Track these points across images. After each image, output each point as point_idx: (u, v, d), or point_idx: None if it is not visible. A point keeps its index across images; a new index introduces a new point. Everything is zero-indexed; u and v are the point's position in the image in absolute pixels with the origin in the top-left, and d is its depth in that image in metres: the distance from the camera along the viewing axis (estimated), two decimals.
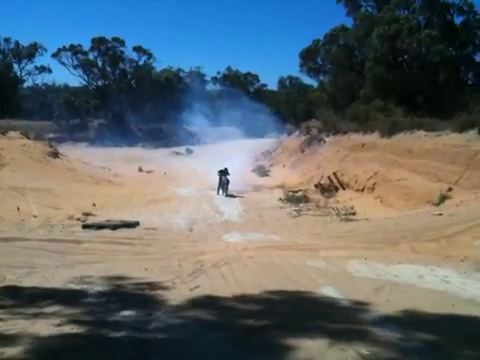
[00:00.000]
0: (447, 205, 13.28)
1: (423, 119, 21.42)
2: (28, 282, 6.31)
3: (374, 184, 18.59)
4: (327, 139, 29.33)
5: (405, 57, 32.27)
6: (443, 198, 13.92)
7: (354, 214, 15.41)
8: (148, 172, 31.53)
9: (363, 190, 19.09)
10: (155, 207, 17.19)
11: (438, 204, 13.73)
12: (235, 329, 4.65)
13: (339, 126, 28.81)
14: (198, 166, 30.87)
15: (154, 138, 52.22)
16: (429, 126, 19.62)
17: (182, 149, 46.50)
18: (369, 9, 36.42)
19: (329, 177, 21.79)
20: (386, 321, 4.78)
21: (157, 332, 4.55)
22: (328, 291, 5.99)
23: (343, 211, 15.69)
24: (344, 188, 20.70)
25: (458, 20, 32.52)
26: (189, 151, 45.72)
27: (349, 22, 36.89)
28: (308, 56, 39.67)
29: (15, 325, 4.58)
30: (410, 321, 4.84)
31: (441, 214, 11.83)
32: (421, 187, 15.72)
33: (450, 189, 14.36)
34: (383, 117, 24.55)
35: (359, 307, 5.26)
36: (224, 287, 6.24)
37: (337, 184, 21.13)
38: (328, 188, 20.77)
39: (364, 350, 4.01)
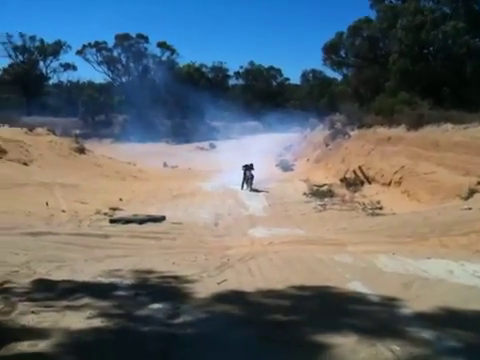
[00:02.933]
0: (476, 199, 13.00)
1: (450, 112, 21.03)
2: (58, 276, 6.39)
3: (401, 178, 18.33)
4: (352, 133, 29.01)
5: (430, 49, 31.72)
6: (472, 192, 13.63)
7: (381, 208, 15.25)
8: (172, 167, 31.74)
9: (389, 184, 18.84)
10: (180, 202, 17.27)
11: (467, 198, 13.45)
12: (262, 324, 4.64)
13: (364, 119, 28.48)
14: (222, 161, 30.91)
15: (178, 133, 52.51)
16: (456, 119, 19.26)
17: (206, 144, 46.64)
18: (393, 1, 35.89)
19: (354, 171, 21.58)
20: (417, 317, 4.70)
21: (185, 326, 4.57)
22: (356, 286, 5.93)
23: (369, 205, 15.53)
24: (370, 182, 20.48)
25: None
26: (213, 146, 45.84)
27: (372, 15, 36.41)
28: (331, 49, 39.28)
29: (46, 318, 4.65)
30: (441, 317, 4.76)
31: (470, 208, 11.61)
32: (449, 181, 15.44)
33: (479, 183, 14.07)
34: (409, 110, 24.17)
35: (388, 303, 5.19)
36: (250, 281, 6.23)
37: (363, 178, 20.91)
38: (353, 182, 20.58)
39: (395, 346, 3.96)
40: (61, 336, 4.23)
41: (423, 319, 4.65)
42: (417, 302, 5.17)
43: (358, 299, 5.42)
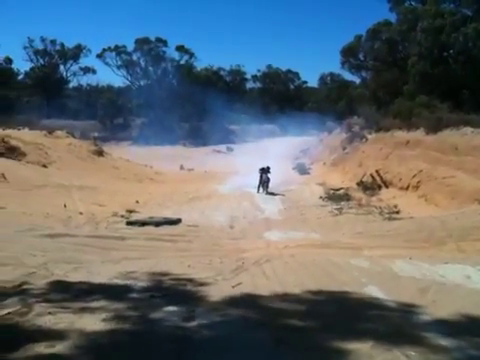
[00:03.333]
0: None
1: (469, 115, 20.74)
2: (75, 277, 6.46)
3: (418, 182, 18.13)
4: (369, 136, 28.78)
5: (450, 51, 31.35)
6: None
7: (398, 213, 15.09)
8: (189, 170, 31.82)
9: (407, 188, 18.65)
10: (196, 204, 17.32)
11: None
12: (277, 328, 4.63)
13: (382, 123, 28.21)
14: (238, 164, 30.92)
15: (195, 136, 52.69)
16: (476, 122, 18.97)
17: (223, 147, 46.71)
18: (413, 3, 35.58)
19: (372, 175, 21.41)
20: (433, 323, 4.66)
21: (199, 328, 4.58)
22: (372, 291, 5.89)
23: (386, 210, 15.39)
24: (387, 186, 20.29)
25: None
26: (230, 149, 45.89)
27: (392, 18, 36.14)
28: (350, 52, 39.04)
29: (63, 319, 4.70)
30: (458, 323, 4.71)
31: None
32: (468, 185, 15.23)
33: None
34: (427, 113, 23.90)
35: (405, 308, 5.14)
36: (266, 285, 6.22)
37: (380, 182, 20.73)
38: (371, 186, 20.40)
39: (411, 352, 3.92)
40: (77, 337, 4.28)
41: (439, 325, 4.60)
42: (434, 307, 5.12)
43: (374, 304, 5.39)
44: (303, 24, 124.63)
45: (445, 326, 4.59)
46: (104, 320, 4.69)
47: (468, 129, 18.92)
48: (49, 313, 4.83)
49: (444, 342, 4.17)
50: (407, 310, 5.08)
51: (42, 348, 4.06)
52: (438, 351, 4.02)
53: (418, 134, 22.53)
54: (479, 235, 9.42)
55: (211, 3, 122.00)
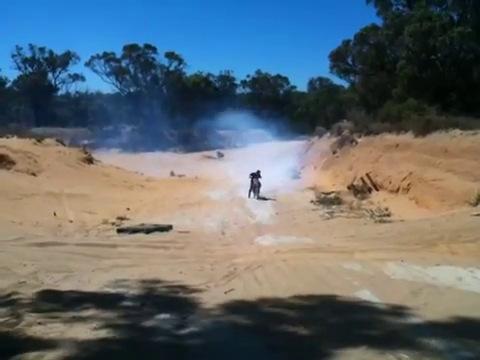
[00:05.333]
0: None
1: (458, 117, 20.90)
2: (65, 286, 6.39)
3: (409, 185, 18.23)
4: (359, 140, 28.91)
5: (438, 55, 31.63)
6: None
7: (389, 215, 15.15)
8: (180, 176, 31.79)
9: (397, 191, 18.75)
10: (187, 211, 17.29)
11: (476, 204, 13.33)
12: (270, 333, 4.60)
13: (371, 126, 28.36)
14: (229, 169, 30.93)
15: (185, 142, 52.70)
16: (464, 124, 19.12)
17: (213, 153, 46.76)
18: (400, 8, 35.89)
19: (362, 178, 21.50)
20: (426, 325, 4.65)
21: (192, 335, 4.55)
22: (365, 294, 5.88)
23: (377, 212, 15.44)
24: (377, 189, 20.39)
25: None
26: (220, 155, 45.94)
27: (379, 22, 36.38)
28: (338, 57, 39.26)
29: (53, 329, 4.65)
30: (450, 325, 4.71)
31: (479, 214, 11.49)
32: (458, 187, 15.34)
33: None
34: (416, 116, 24.06)
35: (397, 311, 5.13)
36: (258, 290, 6.20)
37: (370, 185, 20.82)
38: (361, 189, 20.49)
39: (404, 354, 3.92)
40: (68, 347, 4.22)
41: (432, 327, 4.60)
42: (426, 310, 5.12)
43: (367, 307, 5.38)
44: (292, 29, 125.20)
45: (437, 328, 4.59)
46: (95, 329, 4.63)
47: (457, 131, 19.06)
48: (39, 323, 4.77)
49: (436, 344, 4.17)
50: (399, 313, 5.08)
51: (31, 358, 4.00)
52: (431, 353, 4.02)
53: (407, 137, 22.67)
54: (470, 237, 9.44)
55: (200, 9, 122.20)
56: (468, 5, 31.00)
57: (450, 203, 14.87)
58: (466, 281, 6.45)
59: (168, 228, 13.00)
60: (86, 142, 43.55)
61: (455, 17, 31.78)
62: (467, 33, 28.68)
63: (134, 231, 12.36)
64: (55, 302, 5.63)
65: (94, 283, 6.58)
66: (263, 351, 4.27)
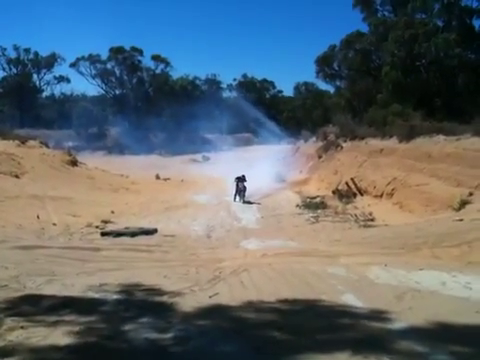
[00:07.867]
0: (468, 210, 13.03)
1: (442, 123, 21.15)
2: (48, 290, 6.32)
3: (393, 189, 18.38)
4: (344, 145, 29.08)
5: (423, 61, 32.00)
6: (464, 203, 13.67)
7: (373, 220, 15.26)
8: (165, 179, 31.63)
9: (381, 196, 18.89)
10: (173, 214, 17.21)
11: (459, 209, 13.49)
12: (255, 337, 4.60)
13: (357, 131, 28.55)
14: (215, 173, 30.88)
15: (171, 145, 52.44)
16: (448, 130, 19.35)
17: (199, 156, 46.66)
18: (386, 14, 36.26)
19: (347, 183, 21.61)
20: (409, 330, 4.68)
21: (176, 340, 4.52)
22: (349, 298, 5.91)
23: (362, 217, 15.54)
24: (362, 194, 20.52)
25: (477, 24, 32.24)
26: (206, 158, 45.86)
27: (365, 28, 36.73)
28: (324, 62, 39.51)
29: (35, 333, 4.58)
30: (433, 330, 4.75)
31: (462, 219, 11.61)
32: (441, 192, 15.49)
33: (471, 194, 14.09)
34: (401, 122, 24.29)
35: (381, 315, 5.16)
36: (243, 294, 6.18)
37: (355, 190, 20.95)
38: (346, 194, 20.60)
39: (387, 359, 3.94)
40: (50, 352, 4.17)
41: (416, 332, 4.63)
42: (409, 314, 5.15)
43: (351, 312, 5.40)
44: (278, 34, 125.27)
45: (421, 333, 4.62)
46: (78, 333, 4.58)
47: (441, 137, 19.27)
48: (21, 327, 4.71)
49: (420, 349, 4.20)
50: (383, 317, 5.10)
51: None
52: (414, 358, 4.05)
53: (392, 142, 22.87)
54: (454, 241, 9.53)
55: (186, 13, 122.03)
56: (453, 12, 31.43)
57: (434, 208, 15.01)
58: (449, 286, 6.51)
59: (153, 231, 12.94)
60: (71, 144, 43.20)
61: (440, 24, 32.23)
62: (452, 40, 29.07)
63: (118, 234, 12.28)
64: (38, 306, 5.56)
65: (78, 287, 6.50)
66: (247, 355, 4.26)
